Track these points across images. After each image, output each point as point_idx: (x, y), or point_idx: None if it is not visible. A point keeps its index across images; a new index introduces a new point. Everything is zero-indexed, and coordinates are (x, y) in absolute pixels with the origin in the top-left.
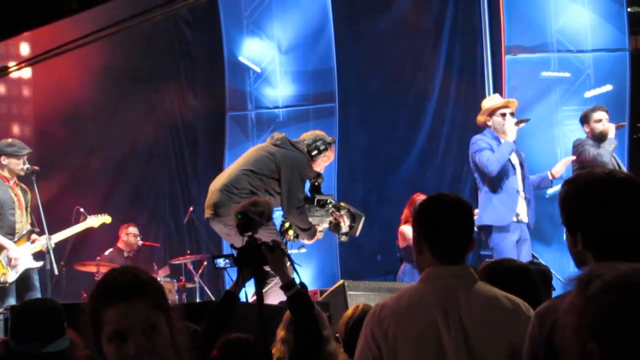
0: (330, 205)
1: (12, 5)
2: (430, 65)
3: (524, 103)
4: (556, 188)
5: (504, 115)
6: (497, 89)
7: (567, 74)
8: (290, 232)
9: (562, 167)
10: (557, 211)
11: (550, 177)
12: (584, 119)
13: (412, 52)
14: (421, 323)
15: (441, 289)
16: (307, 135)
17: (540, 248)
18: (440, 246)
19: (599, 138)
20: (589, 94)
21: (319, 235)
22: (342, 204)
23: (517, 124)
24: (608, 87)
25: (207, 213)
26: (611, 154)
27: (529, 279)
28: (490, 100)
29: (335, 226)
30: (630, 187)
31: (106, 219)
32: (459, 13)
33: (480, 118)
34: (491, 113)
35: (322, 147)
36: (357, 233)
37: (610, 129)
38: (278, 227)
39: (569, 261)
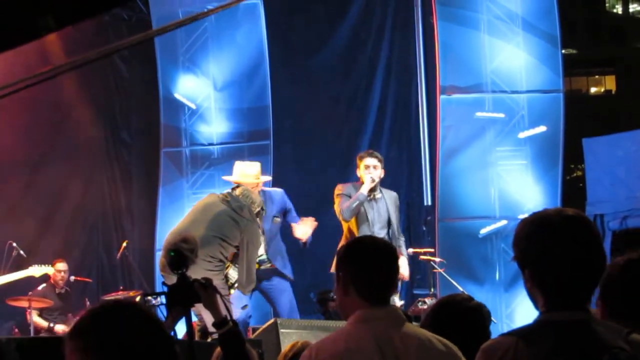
0: None
1: None
2: (364, 104)
3: (459, 143)
4: (489, 228)
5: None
6: (432, 128)
7: (501, 115)
8: (232, 291)
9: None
10: (490, 252)
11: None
12: (358, 161)
13: (346, 91)
14: None
15: (375, 331)
16: (243, 193)
17: (473, 288)
18: (369, 288)
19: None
20: (523, 135)
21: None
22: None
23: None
24: (542, 128)
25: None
26: (353, 213)
27: (483, 320)
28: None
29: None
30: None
31: (48, 269)
32: (394, 52)
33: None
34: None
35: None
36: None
37: (367, 182)
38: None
39: (501, 302)
